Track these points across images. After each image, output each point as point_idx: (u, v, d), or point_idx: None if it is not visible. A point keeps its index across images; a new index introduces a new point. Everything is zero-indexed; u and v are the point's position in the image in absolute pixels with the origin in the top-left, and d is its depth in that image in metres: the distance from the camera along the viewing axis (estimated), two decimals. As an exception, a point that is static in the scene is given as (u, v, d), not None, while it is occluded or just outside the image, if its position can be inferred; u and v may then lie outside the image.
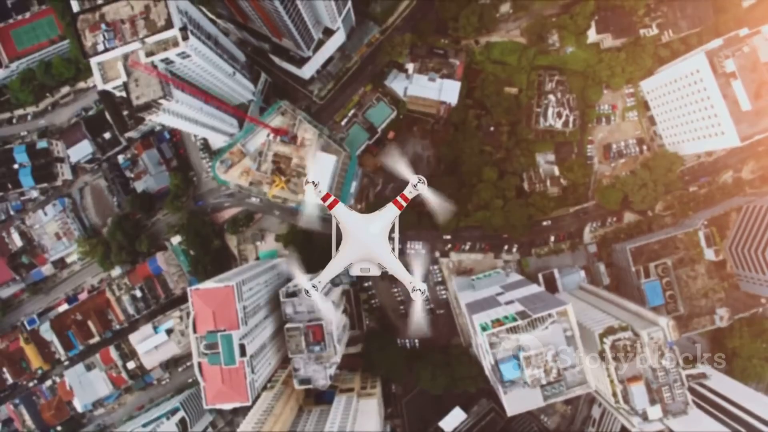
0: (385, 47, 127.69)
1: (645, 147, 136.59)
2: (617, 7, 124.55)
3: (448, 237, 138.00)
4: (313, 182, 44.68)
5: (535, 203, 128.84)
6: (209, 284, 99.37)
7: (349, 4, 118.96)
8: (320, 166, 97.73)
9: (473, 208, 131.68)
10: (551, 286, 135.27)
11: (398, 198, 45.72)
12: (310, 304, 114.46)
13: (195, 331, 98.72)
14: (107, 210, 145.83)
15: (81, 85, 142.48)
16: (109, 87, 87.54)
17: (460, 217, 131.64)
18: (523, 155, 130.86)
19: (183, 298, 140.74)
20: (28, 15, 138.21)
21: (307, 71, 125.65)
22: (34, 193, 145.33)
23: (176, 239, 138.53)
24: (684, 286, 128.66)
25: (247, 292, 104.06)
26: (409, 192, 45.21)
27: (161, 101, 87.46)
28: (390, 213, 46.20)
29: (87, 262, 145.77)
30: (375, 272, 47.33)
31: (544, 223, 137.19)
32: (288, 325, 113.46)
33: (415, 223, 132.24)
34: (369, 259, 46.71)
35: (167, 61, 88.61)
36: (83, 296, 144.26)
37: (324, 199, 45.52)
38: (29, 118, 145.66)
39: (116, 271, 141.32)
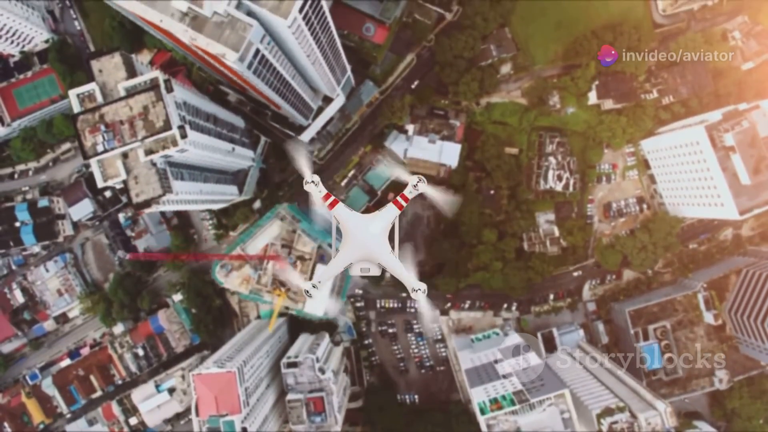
0: (384, 112, 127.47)
1: (645, 205, 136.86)
2: (618, 72, 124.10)
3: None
4: (313, 181, 45.50)
5: (535, 267, 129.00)
6: (212, 368, 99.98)
7: (349, 71, 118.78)
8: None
9: (473, 269, 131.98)
10: (550, 345, 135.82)
11: (398, 198, 46.20)
12: (311, 376, 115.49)
13: (198, 414, 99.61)
14: (108, 265, 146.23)
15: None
16: (109, 184, 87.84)
17: (460, 278, 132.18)
18: (523, 218, 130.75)
19: (185, 355, 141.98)
20: (29, 74, 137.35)
21: (306, 136, 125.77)
22: (36, 248, 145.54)
23: (177, 297, 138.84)
24: (683, 348, 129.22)
25: (249, 371, 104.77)
26: (409, 192, 45.47)
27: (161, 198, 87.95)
28: (390, 213, 46.64)
29: (89, 317, 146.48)
30: (375, 272, 47.95)
31: (575, 273, 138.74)
32: (289, 397, 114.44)
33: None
34: (369, 259, 47.22)
35: (166, 156, 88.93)
36: (85, 351, 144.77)
37: (324, 198, 46.24)
38: (30, 173, 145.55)
39: (118, 328, 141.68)
